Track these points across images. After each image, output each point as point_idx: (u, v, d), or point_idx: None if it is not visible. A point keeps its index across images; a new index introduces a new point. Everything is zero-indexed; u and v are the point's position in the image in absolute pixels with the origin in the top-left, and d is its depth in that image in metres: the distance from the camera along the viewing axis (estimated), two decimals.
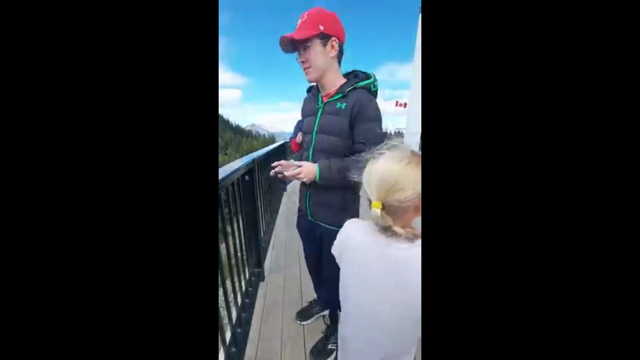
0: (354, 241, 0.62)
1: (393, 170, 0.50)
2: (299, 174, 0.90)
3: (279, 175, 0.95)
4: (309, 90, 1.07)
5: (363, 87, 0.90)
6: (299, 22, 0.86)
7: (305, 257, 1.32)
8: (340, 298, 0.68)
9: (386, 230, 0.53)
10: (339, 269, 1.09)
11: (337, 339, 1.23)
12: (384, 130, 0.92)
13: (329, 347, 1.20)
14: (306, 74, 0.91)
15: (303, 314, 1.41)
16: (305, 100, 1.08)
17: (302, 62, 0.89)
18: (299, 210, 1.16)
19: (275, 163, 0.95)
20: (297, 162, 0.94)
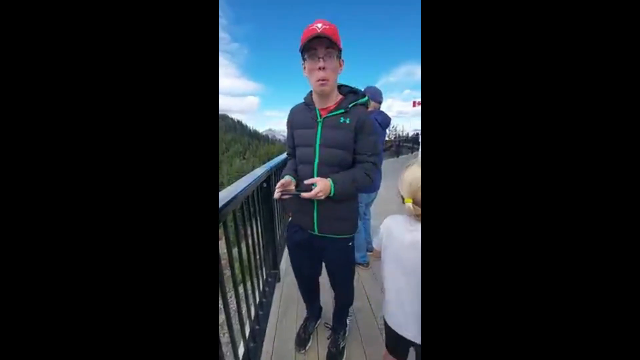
0: (395, 231, 0.80)
1: (419, 175, 0.69)
2: (318, 193, 0.86)
3: (284, 197, 0.90)
4: (305, 101, 1.01)
5: (361, 104, 0.97)
6: (320, 25, 0.80)
7: (299, 274, 1.26)
8: (384, 275, 0.86)
9: (417, 217, 0.73)
10: (349, 271, 1.17)
11: (346, 336, 1.30)
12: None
13: (341, 345, 1.27)
14: (321, 84, 0.86)
15: (301, 341, 1.31)
16: (296, 112, 1.03)
17: (321, 68, 0.83)
18: (294, 226, 1.12)
19: (278, 185, 0.90)
20: (310, 180, 0.89)
